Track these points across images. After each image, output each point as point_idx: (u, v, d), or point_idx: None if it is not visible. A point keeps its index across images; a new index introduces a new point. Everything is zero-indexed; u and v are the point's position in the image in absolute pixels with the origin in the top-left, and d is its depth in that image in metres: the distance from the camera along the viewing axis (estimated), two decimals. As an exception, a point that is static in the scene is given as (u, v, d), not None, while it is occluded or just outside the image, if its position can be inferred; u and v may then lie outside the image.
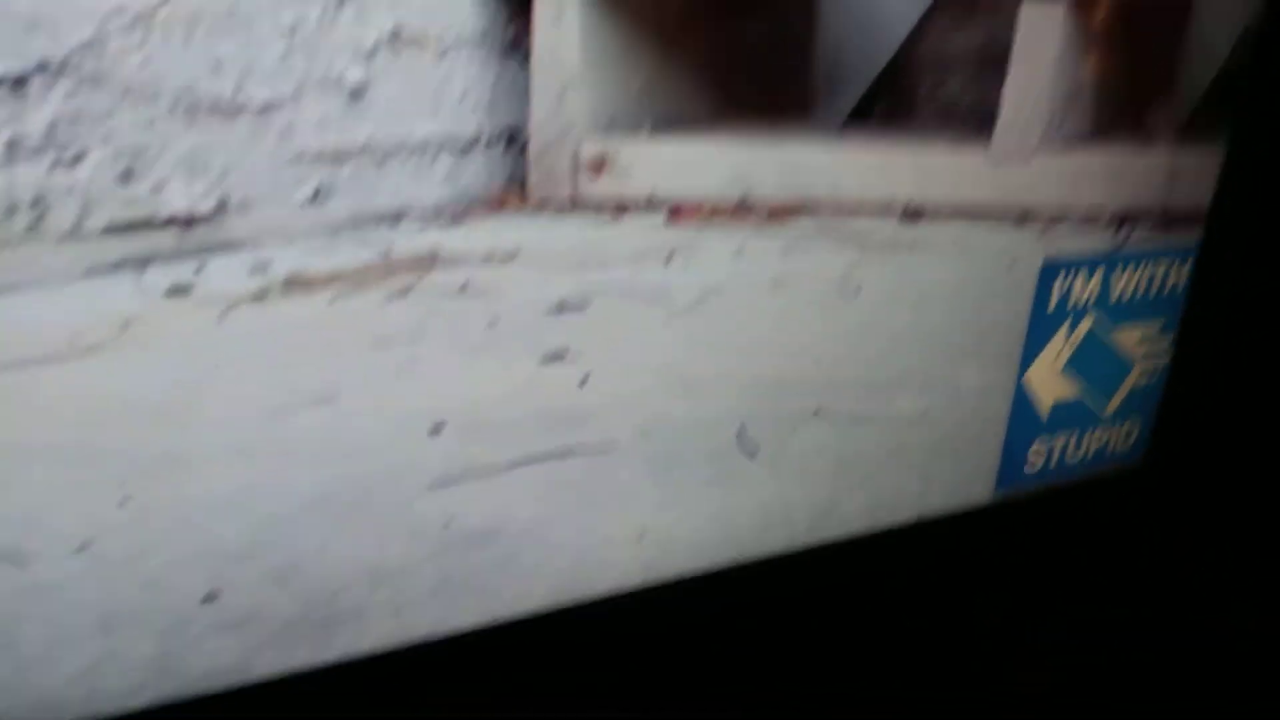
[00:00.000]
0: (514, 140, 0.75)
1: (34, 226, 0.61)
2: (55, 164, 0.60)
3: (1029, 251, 1.01)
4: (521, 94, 0.75)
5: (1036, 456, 1.10)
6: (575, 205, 0.80)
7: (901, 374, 0.98)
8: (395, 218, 0.72)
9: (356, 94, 0.67)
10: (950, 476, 1.05)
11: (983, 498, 1.09)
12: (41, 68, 0.59)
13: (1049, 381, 1.08)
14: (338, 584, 0.74)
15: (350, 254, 0.71)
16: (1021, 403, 1.06)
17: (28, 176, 0.60)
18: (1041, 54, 0.96)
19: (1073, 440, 1.12)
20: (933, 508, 1.05)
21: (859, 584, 1.04)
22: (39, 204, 0.61)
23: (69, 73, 0.59)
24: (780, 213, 0.89)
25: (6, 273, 0.60)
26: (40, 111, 0.59)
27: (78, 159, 0.61)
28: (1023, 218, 1.01)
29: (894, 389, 0.98)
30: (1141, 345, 1.13)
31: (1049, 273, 1.03)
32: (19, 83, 0.58)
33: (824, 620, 1.04)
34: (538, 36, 0.74)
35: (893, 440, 0.99)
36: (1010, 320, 1.03)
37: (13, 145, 0.59)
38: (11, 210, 0.60)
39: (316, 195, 0.69)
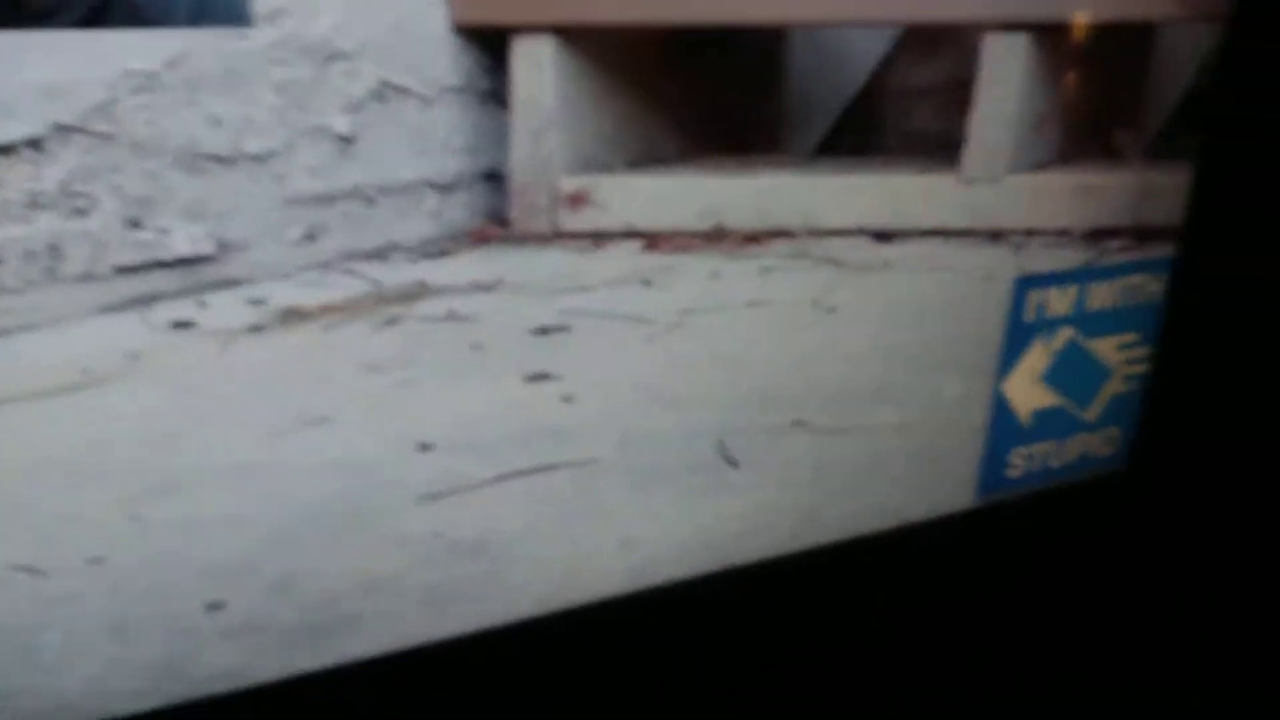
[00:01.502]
0: (495, 178, 0.79)
1: (51, 270, 0.66)
2: (70, 213, 0.64)
3: (1003, 267, 1.03)
4: (502, 136, 0.79)
5: (1018, 463, 1.11)
6: (555, 237, 0.84)
7: (880, 387, 1.00)
8: (384, 253, 0.76)
9: (346, 141, 0.71)
10: (931, 484, 1.07)
11: (966, 503, 1.10)
12: (59, 129, 0.63)
13: (1028, 391, 1.09)
14: (334, 593, 0.77)
15: (342, 287, 0.75)
16: (1001, 411, 1.08)
17: (45, 225, 0.64)
18: (1007, 81, 0.98)
19: (1054, 447, 1.13)
20: (916, 514, 1.07)
21: (843, 589, 1.05)
22: (54, 250, 0.65)
23: (83, 132, 0.64)
24: (754, 238, 0.92)
25: (27, 313, 0.65)
26: (56, 167, 0.64)
27: (89, 208, 0.65)
28: (996, 236, 1.03)
29: (873, 401, 1.00)
30: (1120, 354, 1.14)
31: (1023, 287, 1.04)
32: (36, 144, 0.63)
33: (809, 625, 1.06)
34: (515, 84, 0.78)
35: (873, 450, 1.01)
36: (987, 333, 1.04)
37: (32, 198, 0.64)
38: (30, 256, 0.65)
39: (309, 235, 0.72)
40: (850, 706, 1.02)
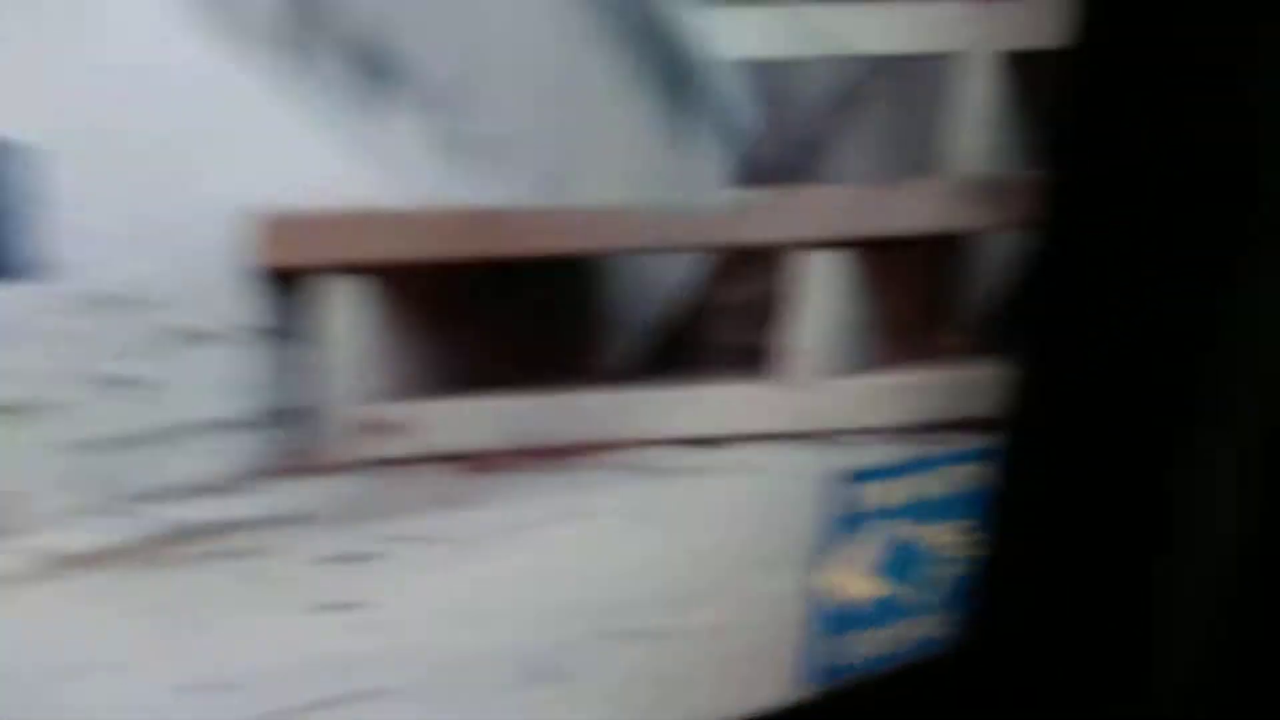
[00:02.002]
0: (299, 413, 0.79)
1: None
2: None
3: (823, 465, 1.05)
4: (304, 372, 0.79)
5: (846, 651, 1.12)
6: (362, 465, 0.84)
7: (697, 589, 1.01)
8: (178, 493, 0.75)
9: (137, 386, 0.71)
10: (758, 679, 1.07)
11: (794, 695, 1.10)
12: None
13: (853, 582, 1.11)
14: None
15: (128, 529, 0.73)
16: (825, 604, 1.09)
17: None
18: (825, 294, 1.01)
19: (882, 634, 1.14)
20: (744, 710, 1.07)
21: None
22: None
23: None
24: (567, 452, 0.93)
25: None
26: None
27: None
28: (818, 437, 1.05)
29: (691, 604, 1.00)
30: (947, 539, 1.16)
31: (845, 482, 1.06)
32: None
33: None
34: (318, 322, 0.79)
35: (695, 652, 1.01)
36: (806, 529, 1.06)
37: None
38: None
39: (92, 480, 0.71)
40: None
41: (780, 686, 1.09)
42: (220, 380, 0.76)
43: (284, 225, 0.75)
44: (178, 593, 0.75)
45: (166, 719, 0.77)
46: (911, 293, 1.09)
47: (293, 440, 0.79)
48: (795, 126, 0.99)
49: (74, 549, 0.71)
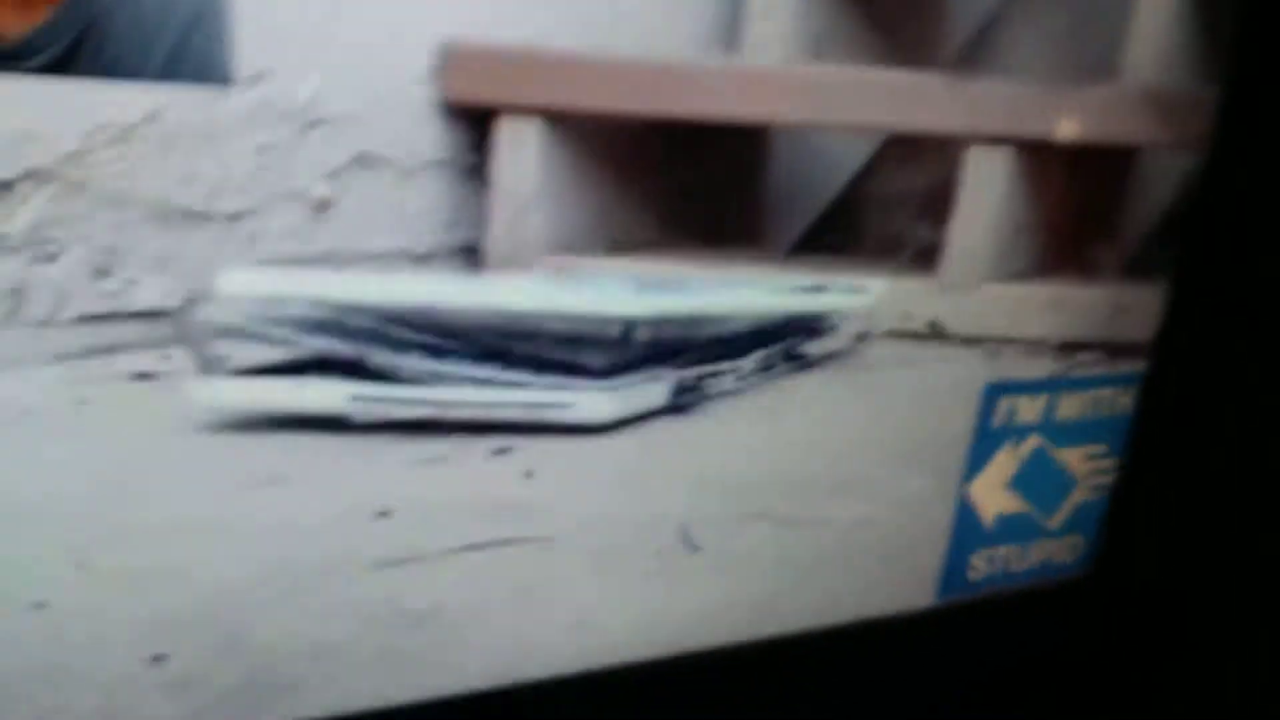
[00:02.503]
0: (473, 253, 0.77)
1: (12, 313, 0.64)
2: (34, 259, 0.63)
3: (975, 372, 1.02)
4: (481, 213, 0.78)
5: (980, 565, 1.09)
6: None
7: (845, 481, 0.98)
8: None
9: (321, 207, 0.70)
10: (891, 581, 1.05)
11: (924, 603, 1.08)
12: (29, 175, 0.62)
13: (993, 495, 1.08)
14: (280, 655, 0.74)
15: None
16: (964, 514, 1.06)
17: (8, 269, 0.63)
18: (988, 193, 0.97)
19: (1016, 551, 1.11)
20: (873, 610, 1.04)
21: (798, 681, 1.03)
22: (17, 294, 0.63)
23: (54, 179, 0.62)
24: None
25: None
26: (25, 213, 0.62)
27: (55, 255, 0.63)
28: (970, 341, 1.02)
29: (838, 495, 0.98)
30: (1086, 464, 1.13)
31: (993, 393, 1.03)
32: (6, 186, 0.61)
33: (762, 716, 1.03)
34: (498, 163, 0.77)
35: (834, 544, 0.99)
36: (955, 436, 1.03)
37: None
38: (-3, 296, 0.63)
39: (277, 296, 0.71)
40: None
41: (912, 592, 1.06)
42: (403, 212, 0.74)
43: (469, 59, 0.73)
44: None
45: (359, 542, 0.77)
46: (1074, 200, 1.04)
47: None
48: (976, 12, 0.95)
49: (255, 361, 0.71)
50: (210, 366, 0.72)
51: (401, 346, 0.78)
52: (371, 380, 0.78)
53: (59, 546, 0.69)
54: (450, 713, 0.83)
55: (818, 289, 0.93)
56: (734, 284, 0.90)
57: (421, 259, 0.76)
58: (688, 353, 0.90)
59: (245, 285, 0.70)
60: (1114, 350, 1.09)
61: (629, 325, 0.81)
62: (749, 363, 0.93)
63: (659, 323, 0.82)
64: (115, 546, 0.69)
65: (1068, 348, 1.06)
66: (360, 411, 0.77)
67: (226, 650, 0.73)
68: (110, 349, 0.68)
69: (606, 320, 0.80)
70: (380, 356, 0.77)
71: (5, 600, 0.68)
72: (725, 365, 0.91)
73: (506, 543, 0.81)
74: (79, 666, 0.70)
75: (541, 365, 0.82)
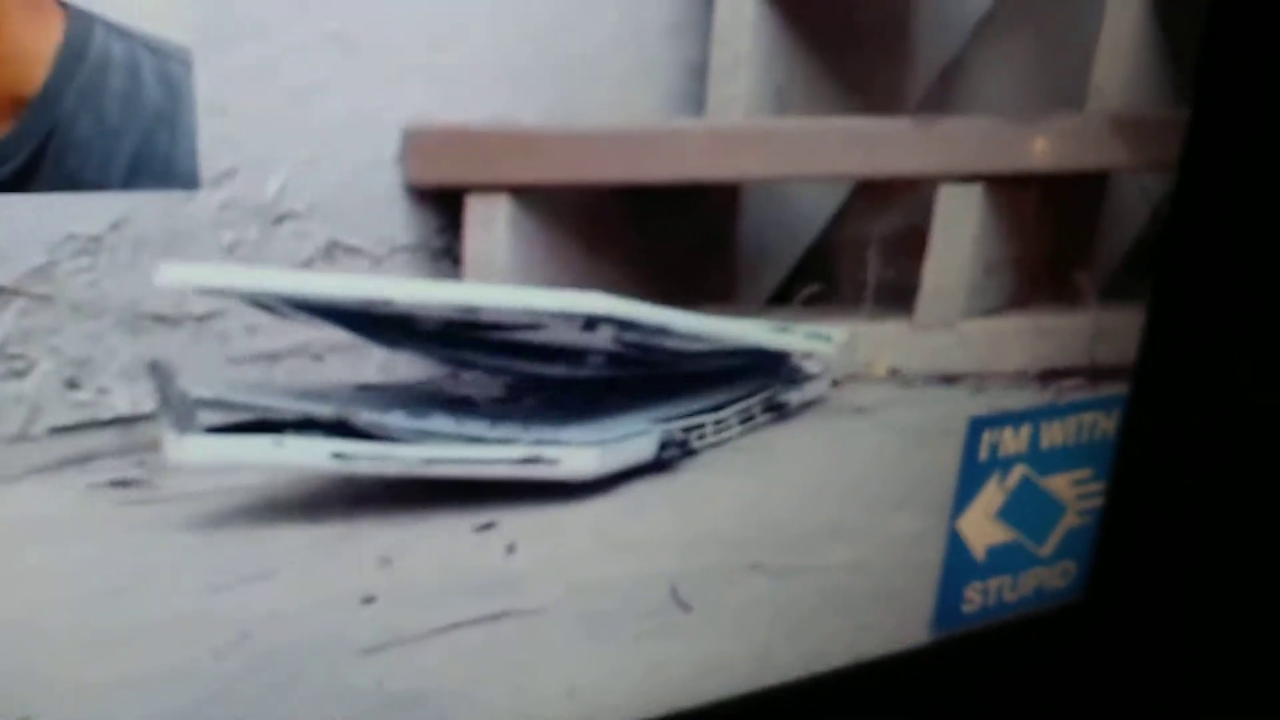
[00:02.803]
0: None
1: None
2: (6, 374, 0.62)
3: (957, 408, 1.02)
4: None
5: (973, 598, 1.09)
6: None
7: (834, 526, 0.98)
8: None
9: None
10: (886, 620, 1.04)
11: (920, 639, 1.08)
12: (-2, 290, 0.61)
13: (982, 527, 1.08)
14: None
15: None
16: (955, 548, 1.06)
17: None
18: (961, 230, 0.97)
19: (1009, 581, 1.11)
20: (870, 651, 1.04)
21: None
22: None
23: (20, 295, 0.62)
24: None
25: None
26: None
27: (25, 371, 0.63)
28: (950, 379, 1.02)
29: (828, 541, 0.98)
30: (1074, 489, 1.13)
31: (977, 427, 1.03)
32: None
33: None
34: (468, 243, 0.77)
35: (828, 589, 0.99)
36: (941, 473, 1.03)
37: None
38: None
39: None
40: None
41: (906, 630, 1.06)
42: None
43: (434, 140, 0.73)
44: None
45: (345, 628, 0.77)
46: (1049, 230, 1.04)
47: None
48: (940, 51, 0.95)
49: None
50: (186, 424, 0.70)
51: (385, 404, 0.78)
52: (355, 439, 0.77)
53: (46, 656, 0.68)
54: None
55: (783, 330, 0.92)
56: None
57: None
58: (666, 396, 0.90)
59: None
60: (1096, 375, 1.09)
61: (592, 321, 0.79)
62: (731, 414, 0.93)
63: (624, 326, 0.80)
64: (105, 652, 0.69)
65: (1049, 376, 1.07)
66: (342, 469, 0.76)
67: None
68: (85, 458, 0.68)
69: (571, 316, 0.78)
70: (365, 416, 0.76)
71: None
72: (708, 418, 0.91)
73: (494, 617, 0.81)
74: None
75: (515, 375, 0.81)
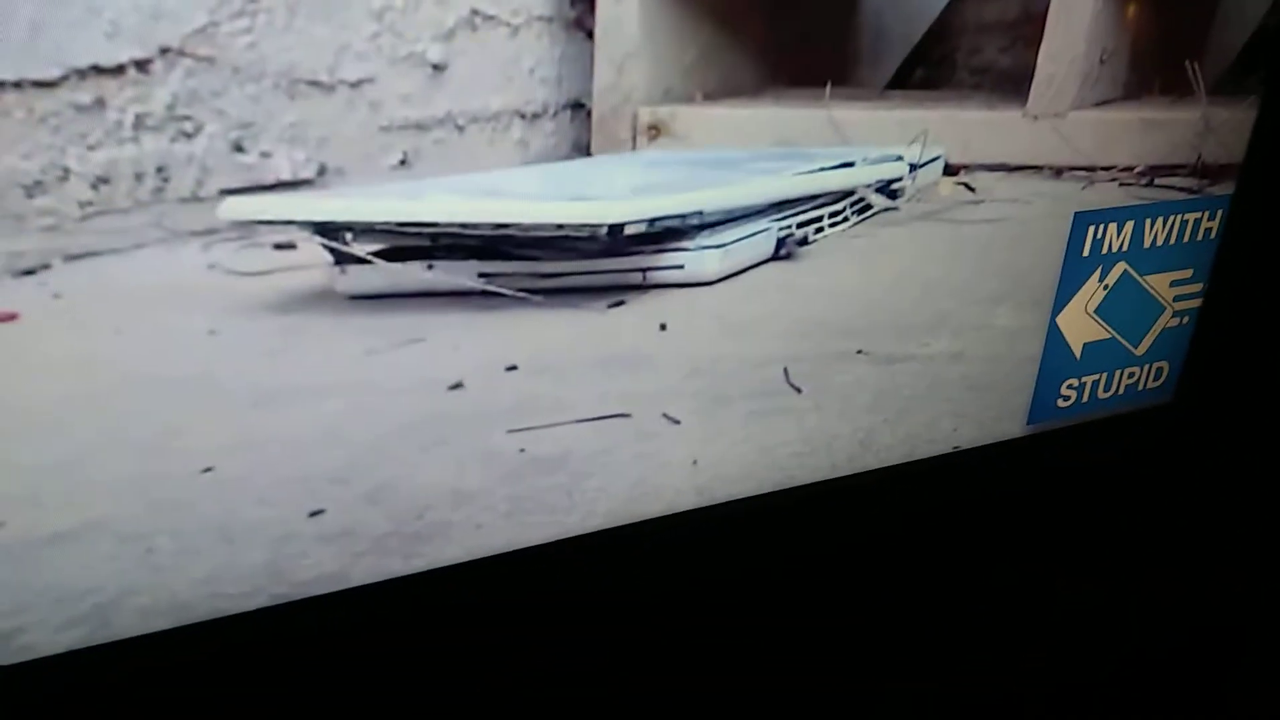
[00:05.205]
0: (579, 109, 0.78)
1: (159, 190, 0.65)
2: (176, 135, 0.64)
3: (1063, 202, 1.01)
4: (585, 67, 0.77)
5: (1069, 393, 1.10)
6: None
7: (938, 317, 0.99)
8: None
9: (437, 69, 0.70)
10: (984, 411, 1.06)
11: (1016, 431, 1.09)
12: (162, 52, 0.63)
13: (1081, 323, 1.08)
14: (424, 504, 0.78)
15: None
16: (1054, 343, 1.07)
17: (152, 147, 0.64)
18: (1075, 18, 0.94)
19: (1104, 378, 1.12)
20: (967, 440, 1.06)
21: (896, 511, 1.06)
22: (163, 171, 0.65)
23: (184, 56, 0.63)
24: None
25: (135, 232, 0.65)
26: (161, 92, 0.63)
27: (195, 132, 0.65)
28: (1058, 171, 1.01)
29: (932, 332, 0.99)
30: (1173, 290, 1.12)
31: (1082, 222, 1.02)
32: (141, 66, 0.62)
33: (862, 544, 1.06)
34: (600, 14, 0.76)
35: (929, 378, 1.01)
36: (1044, 266, 1.03)
37: (139, 120, 0.64)
38: (139, 177, 0.64)
39: (403, 161, 0.72)
40: (897, 620, 1.03)
41: (1003, 422, 1.08)
42: (513, 69, 0.74)
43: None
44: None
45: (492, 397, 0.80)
46: (1162, 22, 1.01)
47: (576, 137, 0.78)
48: None
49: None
50: (343, 254, 0.73)
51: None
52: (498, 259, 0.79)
53: (218, 415, 0.72)
54: (579, 551, 0.87)
55: (846, 165, 0.92)
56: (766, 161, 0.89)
57: (533, 118, 0.76)
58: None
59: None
60: (1203, 173, 1.07)
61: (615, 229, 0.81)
62: (845, 206, 0.94)
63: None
64: (270, 413, 0.72)
65: (1156, 171, 1.05)
66: (488, 288, 0.79)
67: (376, 502, 0.77)
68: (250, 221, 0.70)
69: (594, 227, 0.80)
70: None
71: (175, 467, 0.71)
72: (824, 210, 0.92)
73: (624, 393, 0.84)
74: (246, 525, 0.74)
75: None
